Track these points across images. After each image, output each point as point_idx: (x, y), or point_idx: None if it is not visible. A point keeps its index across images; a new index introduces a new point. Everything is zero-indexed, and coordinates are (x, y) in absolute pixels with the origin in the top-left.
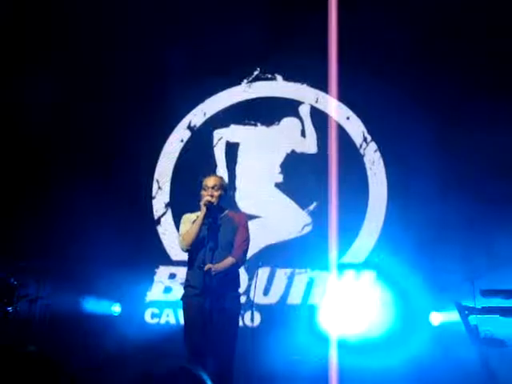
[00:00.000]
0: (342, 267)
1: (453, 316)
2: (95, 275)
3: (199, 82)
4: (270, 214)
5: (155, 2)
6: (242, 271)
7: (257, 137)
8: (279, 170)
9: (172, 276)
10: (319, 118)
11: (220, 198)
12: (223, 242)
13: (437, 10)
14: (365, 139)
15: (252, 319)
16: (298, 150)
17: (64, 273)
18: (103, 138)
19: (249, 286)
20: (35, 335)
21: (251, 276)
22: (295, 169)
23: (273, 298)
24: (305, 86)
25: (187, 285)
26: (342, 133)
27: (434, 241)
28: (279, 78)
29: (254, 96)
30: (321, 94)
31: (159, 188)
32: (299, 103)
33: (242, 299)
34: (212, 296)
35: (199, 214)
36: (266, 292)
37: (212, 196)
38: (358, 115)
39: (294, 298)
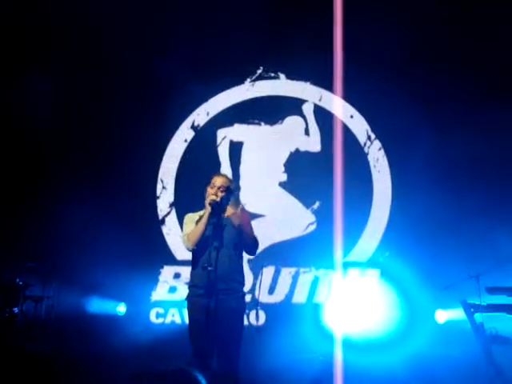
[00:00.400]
0: (346, 266)
1: (458, 314)
2: (100, 275)
3: (202, 82)
4: (274, 212)
5: (157, 1)
6: (246, 270)
7: (261, 136)
8: (283, 168)
9: (177, 276)
10: (323, 117)
11: (225, 199)
12: (228, 242)
13: (440, 10)
14: (369, 137)
15: (257, 318)
16: (302, 148)
17: (69, 273)
18: (107, 139)
19: (254, 285)
20: (41, 335)
21: (256, 275)
22: (299, 167)
23: (278, 296)
24: (308, 84)
25: (192, 284)
26: (346, 131)
27: (438, 238)
28: (282, 76)
29: (257, 95)
30: (325, 92)
31: (163, 188)
32: (303, 102)
33: (247, 298)
34: (217, 295)
35: (203, 214)
36: (271, 291)
37: (217, 196)
38: (362, 113)
39: (299, 296)
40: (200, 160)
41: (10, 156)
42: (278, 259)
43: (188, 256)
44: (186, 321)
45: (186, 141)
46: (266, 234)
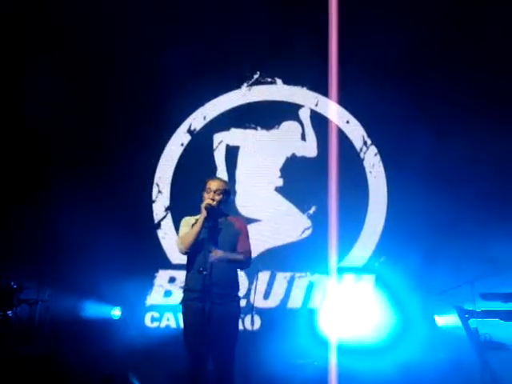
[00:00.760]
0: (341, 271)
1: (453, 319)
2: (95, 279)
3: (199, 86)
4: (270, 217)
5: (155, 6)
6: (241, 275)
7: (257, 140)
8: (279, 173)
9: (172, 280)
10: (319, 122)
11: (221, 203)
12: (223, 246)
13: (437, 14)
14: (365, 143)
15: (252, 323)
16: (298, 153)
17: (64, 276)
18: (103, 142)
19: (249, 290)
20: (35, 339)
21: (251, 280)
22: (295, 172)
23: (273, 301)
24: (305, 89)
25: (186, 288)
26: (342, 136)
27: (433, 244)
28: (279, 81)
29: (254, 100)
30: (321, 97)
31: (159, 192)
32: (299, 107)
33: (242, 303)
34: (211, 299)
35: (199, 217)
36: (266, 296)
37: (213, 200)
38: (358, 119)
39: (294, 301)
40: (196, 164)
41: (8, 160)
42: (274, 264)
43: (183, 260)
44: (181, 325)
45: (182, 145)
46: (261, 238)
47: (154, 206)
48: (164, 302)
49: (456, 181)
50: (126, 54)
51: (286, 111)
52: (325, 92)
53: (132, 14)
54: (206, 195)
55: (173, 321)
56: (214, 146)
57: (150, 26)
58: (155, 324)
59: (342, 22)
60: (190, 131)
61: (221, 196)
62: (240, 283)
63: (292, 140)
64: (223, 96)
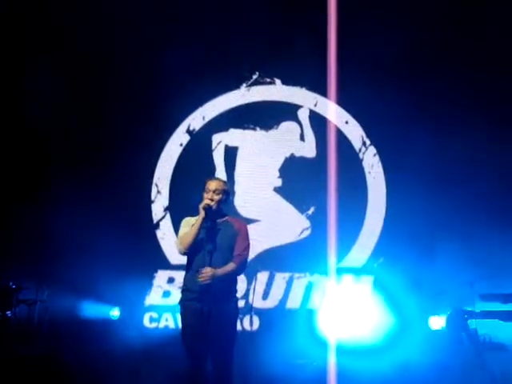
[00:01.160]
0: (340, 271)
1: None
2: (94, 279)
3: (198, 87)
4: (268, 218)
5: (155, 6)
6: (240, 275)
7: (256, 141)
8: (278, 174)
9: (171, 280)
10: (318, 122)
11: (220, 203)
12: (222, 246)
13: (436, 14)
14: (364, 143)
15: (251, 323)
16: (297, 154)
17: (63, 277)
18: (102, 142)
19: (248, 290)
20: (34, 339)
21: (250, 280)
22: (294, 173)
23: (272, 302)
24: (304, 89)
25: (185, 289)
26: (341, 137)
27: (432, 245)
28: (278, 82)
29: (253, 100)
30: (320, 97)
31: (158, 192)
32: (298, 107)
33: (241, 303)
34: (210, 300)
35: (198, 218)
36: (264, 296)
37: (212, 200)
38: (357, 119)
39: (293, 302)
40: (195, 164)
41: (8, 161)
42: (273, 264)
43: (182, 260)
44: (180, 325)
45: (181, 145)
46: (260, 239)
47: (153, 206)
48: (163, 303)
49: (455, 181)
50: (126, 54)
51: (285, 111)
52: (324, 92)
53: (132, 14)
54: (205, 195)
55: (171, 321)
56: (213, 147)
57: (150, 25)
58: (154, 324)
59: (341, 23)
60: (189, 131)
61: (220, 196)
62: (238, 283)
63: (291, 140)
64: (222, 96)
